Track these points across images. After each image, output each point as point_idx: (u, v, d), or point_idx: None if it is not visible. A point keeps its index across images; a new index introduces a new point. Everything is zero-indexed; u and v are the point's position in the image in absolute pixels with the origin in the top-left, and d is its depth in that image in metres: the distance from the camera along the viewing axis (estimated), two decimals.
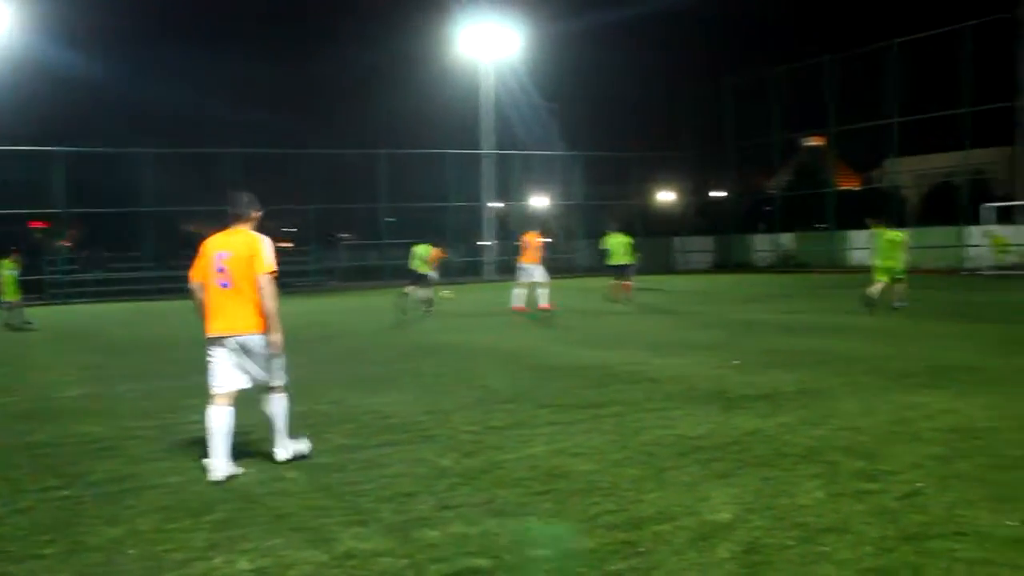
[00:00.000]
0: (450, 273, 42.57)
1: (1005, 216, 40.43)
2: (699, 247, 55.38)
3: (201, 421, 9.21)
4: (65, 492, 6.86)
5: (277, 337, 7.36)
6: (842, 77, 46.69)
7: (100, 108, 58.61)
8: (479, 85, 49.61)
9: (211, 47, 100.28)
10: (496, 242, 50.92)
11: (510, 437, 8.26)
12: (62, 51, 51.71)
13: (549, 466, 7.14)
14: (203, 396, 10.93)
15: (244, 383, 7.43)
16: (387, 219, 50.13)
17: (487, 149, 49.72)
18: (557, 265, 49.57)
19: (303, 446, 7.76)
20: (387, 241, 50.06)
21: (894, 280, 20.06)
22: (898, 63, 43.38)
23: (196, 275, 7.48)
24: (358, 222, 59.43)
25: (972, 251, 39.88)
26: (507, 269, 49.56)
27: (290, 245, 63.32)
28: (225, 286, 7.32)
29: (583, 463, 7.20)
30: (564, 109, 58.55)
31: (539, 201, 58.67)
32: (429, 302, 25.09)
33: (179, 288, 41.17)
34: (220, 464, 7.11)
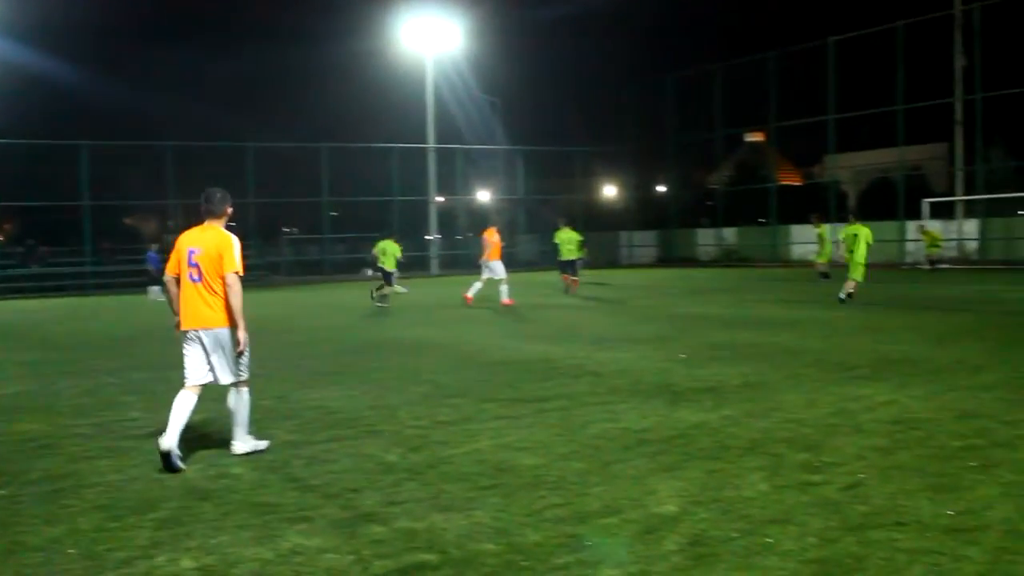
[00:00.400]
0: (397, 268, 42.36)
1: (945, 211, 41.12)
2: (643, 241, 55.69)
3: (140, 418, 9.25)
4: (2, 492, 6.72)
5: (243, 334, 7.54)
6: (782, 74, 47.20)
7: (35, 100, 57.49)
8: (423, 79, 49.40)
9: (152, 39, 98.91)
10: (439, 237, 50.78)
11: (456, 432, 8.24)
12: None
13: (495, 460, 7.13)
14: (142, 393, 10.85)
15: (210, 378, 7.60)
16: (331, 213, 49.81)
17: (431, 143, 49.54)
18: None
19: (262, 444, 7.79)
20: (330, 236, 49.76)
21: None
22: (835, 61, 43.90)
23: (171, 269, 7.64)
24: (301, 217, 59.07)
25: (911, 246, 40.53)
26: (452, 264, 49.59)
27: None
28: (195, 280, 7.51)
29: (529, 457, 7.20)
30: (507, 104, 58.71)
31: (482, 195, 58.68)
32: (382, 293, 25.05)
33: (119, 283, 40.64)
34: (171, 438, 7.23)
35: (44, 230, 47.82)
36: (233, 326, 7.52)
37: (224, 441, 7.95)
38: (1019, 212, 42.03)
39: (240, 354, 7.61)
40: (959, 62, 39.66)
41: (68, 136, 43.30)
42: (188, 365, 7.58)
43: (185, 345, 7.60)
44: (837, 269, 30.40)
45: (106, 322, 23.52)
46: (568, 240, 27.73)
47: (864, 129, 51.22)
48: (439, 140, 50.20)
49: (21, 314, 27.88)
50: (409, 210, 50.37)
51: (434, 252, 50.35)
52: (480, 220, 55.61)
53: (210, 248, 7.49)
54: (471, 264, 51.37)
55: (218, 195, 7.76)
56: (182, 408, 7.42)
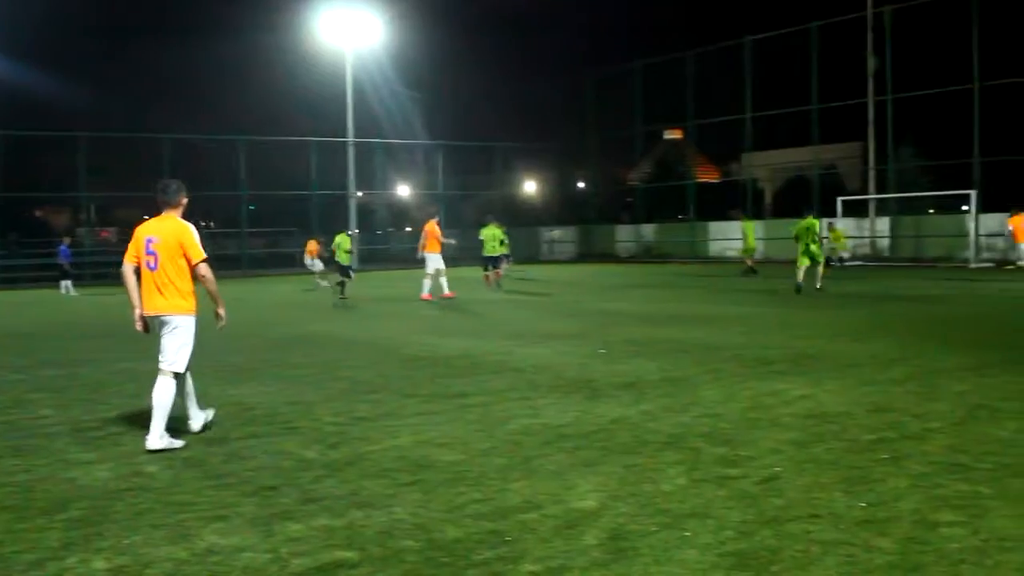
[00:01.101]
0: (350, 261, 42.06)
1: (858, 209, 41.94)
2: (563, 237, 55.92)
3: (50, 416, 9.08)
4: None
5: (223, 309, 8.12)
6: (700, 72, 47.71)
7: None
8: (343, 73, 49.01)
9: (68, 28, 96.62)
10: (357, 232, 50.46)
11: (376, 428, 8.18)
12: None
13: (415, 456, 7.09)
14: (52, 390, 10.61)
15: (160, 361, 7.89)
16: (248, 207, 49.15)
17: (350, 138, 49.16)
18: (416, 256, 49.54)
19: (177, 443, 7.67)
20: (248, 230, 49.12)
21: (814, 264, 22.95)
22: (752, 60, 44.51)
23: (129, 258, 7.93)
24: (218, 210, 58.24)
25: (826, 243, 41.28)
26: (371, 259, 49.33)
27: None
28: (152, 268, 7.80)
29: (449, 453, 7.18)
30: (428, 98, 58.49)
31: (402, 191, 58.45)
32: (335, 287, 25.47)
33: (28, 277, 39.60)
34: (196, 417, 8.06)
35: None
36: (187, 313, 7.88)
37: (137, 439, 7.80)
38: (929, 211, 43.08)
39: (222, 328, 8.15)
40: (871, 63, 40.49)
41: None
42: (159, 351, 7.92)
43: (156, 329, 7.91)
44: (759, 264, 30.97)
45: (14, 317, 22.93)
46: (492, 237, 28.06)
47: (780, 127, 52.03)
48: (359, 134, 49.86)
49: None
50: (328, 205, 49.97)
51: (353, 247, 50.00)
52: (400, 215, 55.49)
53: (168, 237, 7.77)
54: (390, 259, 51.42)
55: (173, 186, 8.03)
56: (160, 393, 7.72)
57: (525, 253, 48.27)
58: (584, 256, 53.04)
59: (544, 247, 55.56)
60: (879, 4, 40.22)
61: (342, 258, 25.66)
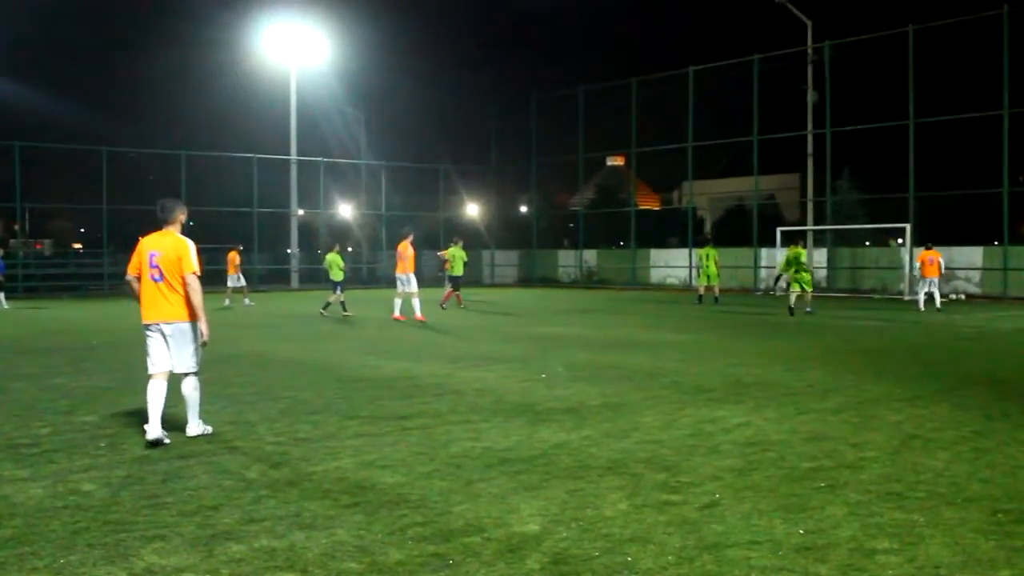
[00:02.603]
0: (253, 280, 41.72)
1: (796, 240, 42.48)
2: (505, 261, 55.98)
3: None
4: None
5: (204, 326, 8.65)
6: (643, 100, 48.11)
7: None
8: (287, 90, 48.78)
9: (8, 36, 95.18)
10: (300, 251, 50.15)
11: (317, 449, 8.14)
12: None
13: (357, 478, 7.07)
14: None
15: (172, 366, 8.62)
16: (189, 223, 48.59)
17: (293, 155, 48.90)
18: (359, 276, 49.27)
19: (209, 428, 8.78)
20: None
21: (803, 289, 25.99)
22: (695, 89, 45.05)
23: (132, 269, 8.72)
24: (156, 225, 57.48)
25: (763, 272, 41.83)
26: (312, 278, 48.98)
27: (81, 247, 60.60)
28: (157, 280, 8.57)
29: (391, 475, 7.16)
30: (372, 118, 58.36)
31: (344, 210, 58.18)
32: (336, 305, 25.85)
33: None
34: (154, 428, 8.31)
35: None
36: (193, 320, 8.64)
37: (71, 456, 7.71)
38: (866, 243, 43.83)
39: (204, 344, 8.71)
40: (810, 97, 41.20)
41: None
42: (152, 355, 8.61)
43: (148, 337, 8.64)
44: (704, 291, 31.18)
45: None
46: (459, 257, 29.24)
47: (721, 157, 52.73)
48: (302, 152, 49.62)
49: None
50: (269, 222, 49.59)
51: (295, 266, 49.69)
52: (341, 234, 55.20)
53: (169, 252, 8.61)
54: (329, 279, 51.00)
55: (169, 204, 8.94)
56: (156, 396, 8.42)
57: (467, 276, 48.23)
58: (526, 280, 53.17)
59: (485, 271, 55.59)
60: (819, 39, 41.00)
61: (336, 275, 26.24)
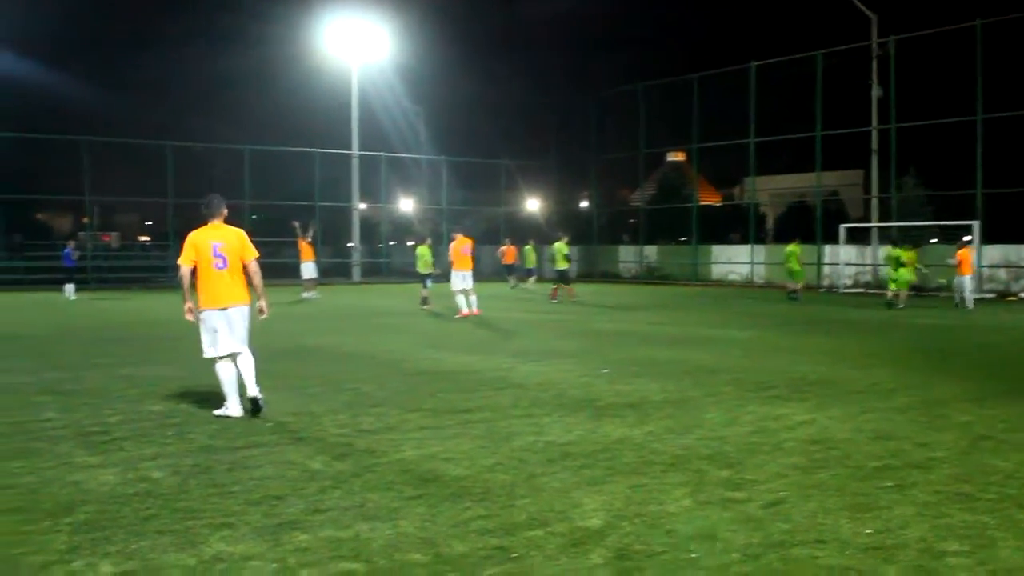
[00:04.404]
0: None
1: (860, 237, 41.96)
2: (551, 256, 55.64)
3: (55, 419, 9.11)
4: None
5: (266, 303, 9.64)
6: (704, 96, 47.72)
7: None
8: (350, 85, 49.13)
9: (76, 33, 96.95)
10: (359, 247, 50.49)
11: (381, 441, 8.20)
12: None
13: (420, 470, 7.11)
14: (57, 393, 10.63)
15: (235, 346, 9.37)
16: (251, 217, 49.17)
17: (356, 150, 49.26)
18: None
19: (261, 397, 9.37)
20: (251, 240, 49.07)
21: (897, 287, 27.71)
22: (756, 85, 44.60)
23: (189, 260, 9.28)
24: (203, 219, 58.13)
25: (827, 269, 41.32)
26: (373, 272, 49.36)
27: (147, 239, 61.55)
28: (221, 268, 9.26)
29: (454, 468, 7.19)
30: (433, 113, 58.56)
31: (405, 204, 58.49)
32: (425, 300, 25.90)
33: (31, 280, 39.69)
34: (235, 405, 9.23)
35: None
36: (251, 302, 9.52)
37: (141, 444, 7.86)
38: (932, 240, 43.12)
39: (264, 317, 9.64)
40: (875, 92, 40.58)
41: None
42: (222, 339, 9.33)
43: (213, 322, 9.31)
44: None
45: (18, 320, 22.94)
46: (559, 251, 29.86)
47: (783, 153, 52.12)
48: (364, 147, 49.95)
49: None
50: (331, 216, 50.01)
51: (356, 259, 50.05)
52: (402, 229, 55.47)
53: (232, 241, 9.39)
54: (392, 272, 51.44)
55: (215, 200, 9.58)
56: (231, 376, 9.31)
57: (523, 271, 48.29)
58: (586, 275, 53.02)
59: (546, 265, 55.49)
60: (884, 34, 40.36)
61: (422, 267, 26.37)
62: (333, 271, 49.33)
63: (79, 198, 45.33)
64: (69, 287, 32.10)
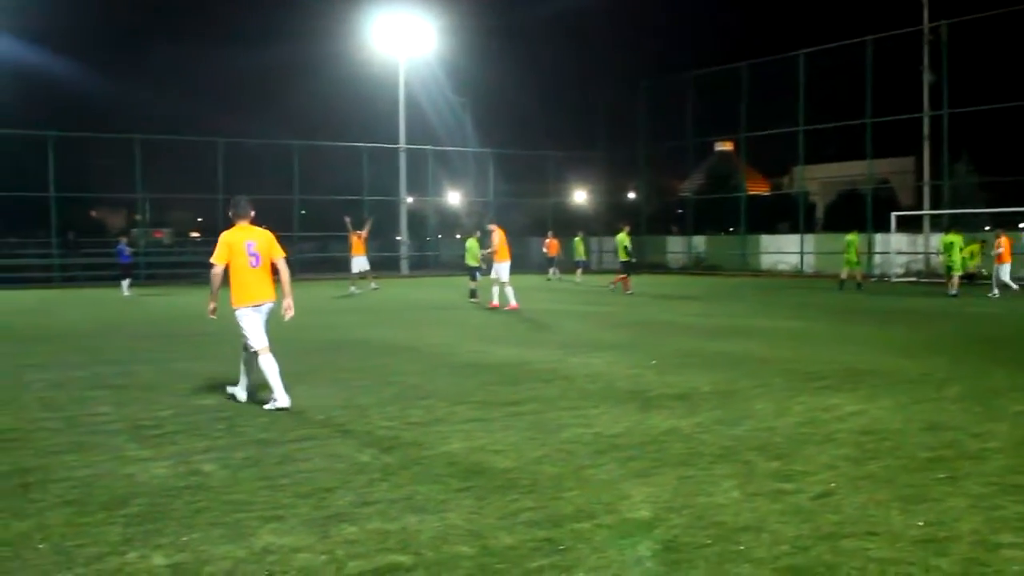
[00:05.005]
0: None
1: (912, 225, 41.41)
2: (613, 247, 55.55)
3: (108, 413, 9.25)
4: None
5: (292, 302, 9.89)
6: (752, 84, 47.36)
7: (3, 88, 56.84)
8: (395, 80, 49.32)
9: (125, 31, 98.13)
10: (405, 241, 50.68)
11: (428, 433, 8.22)
12: None
13: (468, 463, 7.12)
14: (110, 387, 10.79)
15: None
16: (300, 212, 49.53)
17: (402, 144, 49.46)
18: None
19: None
20: (299, 234, 49.50)
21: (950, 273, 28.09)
22: (805, 73, 44.16)
23: (222, 259, 9.59)
24: (270, 214, 58.64)
25: (879, 257, 40.85)
26: (421, 264, 49.53)
27: (198, 235, 62.18)
28: (255, 266, 9.65)
29: (502, 460, 7.20)
30: (479, 105, 58.58)
31: (452, 197, 58.61)
32: (474, 292, 26.13)
33: (85, 276, 40.32)
34: (283, 396, 9.47)
35: (10, 220, 47.30)
36: (276, 300, 9.87)
37: (192, 438, 7.96)
38: (986, 228, 42.46)
39: (290, 318, 9.93)
40: (927, 78, 40.01)
41: (36, 126, 42.89)
42: (259, 333, 9.74)
43: (252, 317, 9.69)
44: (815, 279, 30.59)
45: (72, 315, 23.30)
46: (622, 243, 30.16)
47: (833, 141, 51.59)
48: (410, 140, 50.12)
49: None
50: (379, 210, 50.23)
51: (404, 253, 50.25)
52: (449, 222, 55.59)
53: (263, 241, 9.74)
54: (440, 265, 51.63)
55: (244, 201, 9.85)
56: (274, 367, 9.58)
57: (569, 262, 48.24)
58: (634, 266, 52.83)
59: (593, 257, 55.40)
60: (935, 18, 39.76)
61: (470, 260, 26.65)
62: (381, 265, 49.52)
63: (132, 196, 45.94)
64: (125, 283, 32.50)
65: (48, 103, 64.08)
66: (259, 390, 10.01)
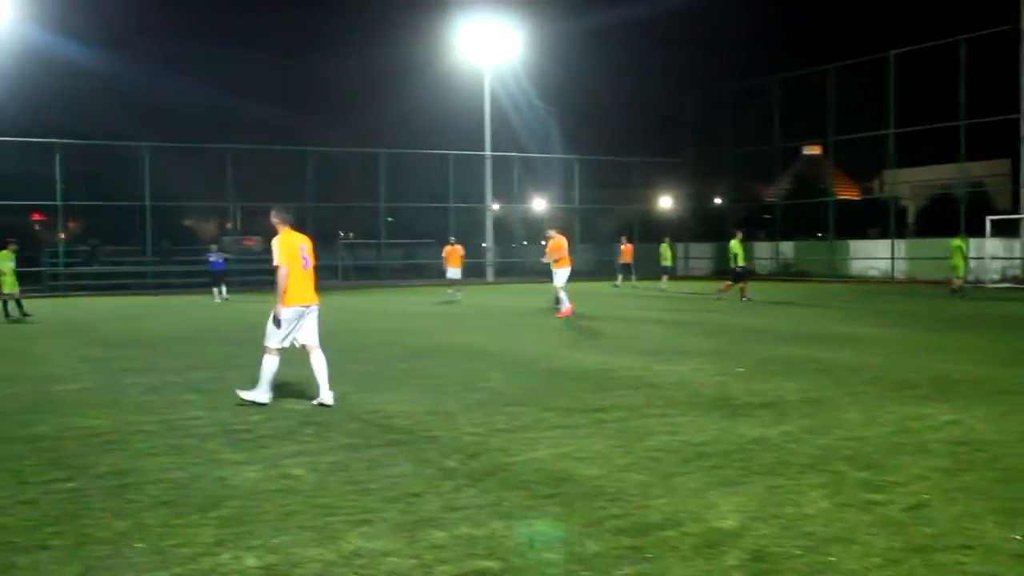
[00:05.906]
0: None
1: (1008, 229, 40.35)
2: (700, 253, 55.26)
3: (202, 417, 9.49)
4: (70, 484, 6.86)
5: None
6: (841, 87, 46.64)
7: (101, 100, 58.51)
8: (481, 87, 49.61)
9: (213, 41, 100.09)
10: (489, 247, 50.88)
11: (515, 440, 8.26)
12: (63, 42, 51.78)
13: (554, 470, 7.14)
14: (204, 392, 11.04)
15: (313, 340, 10.39)
16: (387, 219, 50.10)
17: (487, 151, 49.72)
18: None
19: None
20: (386, 241, 50.05)
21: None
22: (896, 74, 43.34)
23: (285, 260, 9.98)
24: (358, 222, 59.39)
25: (973, 263, 39.88)
26: (507, 271, 49.69)
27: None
28: (307, 268, 10.17)
29: (588, 467, 7.20)
30: (564, 112, 58.63)
31: (538, 204, 58.71)
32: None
33: (178, 283, 41.31)
34: (266, 394, 10.08)
35: (107, 229, 48.62)
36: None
37: (282, 442, 8.10)
38: None
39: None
40: None
41: (131, 137, 44.06)
42: (310, 333, 10.32)
43: (295, 318, 10.11)
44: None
45: (166, 321, 23.87)
46: (731, 249, 29.81)
47: (925, 144, 50.50)
48: (496, 148, 50.35)
49: (84, 311, 28.41)
50: (465, 217, 50.54)
51: (490, 260, 50.47)
52: (535, 229, 55.67)
53: (309, 245, 10.32)
54: (526, 272, 51.76)
55: (293, 208, 10.60)
56: (323, 365, 10.23)
57: (649, 269, 48.01)
58: (721, 273, 52.30)
59: (679, 263, 55.04)
60: None
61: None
62: (467, 272, 49.85)
63: (223, 204, 46.89)
64: (217, 289, 33.12)
65: (142, 115, 65.76)
66: (307, 388, 10.14)
